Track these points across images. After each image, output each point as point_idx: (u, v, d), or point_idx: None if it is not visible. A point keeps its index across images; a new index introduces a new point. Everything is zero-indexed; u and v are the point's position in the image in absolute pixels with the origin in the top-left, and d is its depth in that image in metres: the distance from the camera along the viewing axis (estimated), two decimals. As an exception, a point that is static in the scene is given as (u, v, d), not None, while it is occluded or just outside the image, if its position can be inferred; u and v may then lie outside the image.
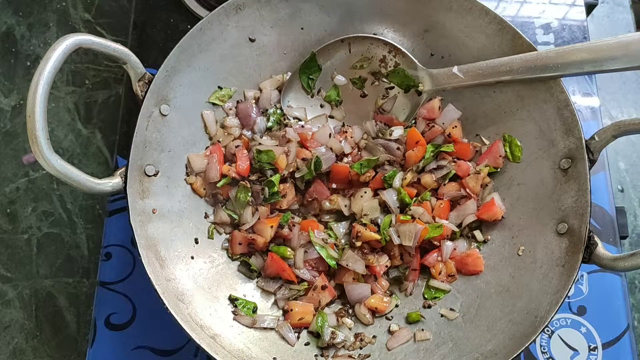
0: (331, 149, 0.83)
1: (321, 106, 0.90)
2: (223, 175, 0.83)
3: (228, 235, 0.84)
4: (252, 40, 0.85)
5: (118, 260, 0.89)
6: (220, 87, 0.86)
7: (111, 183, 0.71)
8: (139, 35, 1.00)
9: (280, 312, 0.81)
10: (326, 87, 0.90)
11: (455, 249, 0.82)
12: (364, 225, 0.80)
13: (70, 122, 1.02)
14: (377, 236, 0.79)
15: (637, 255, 0.67)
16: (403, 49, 0.85)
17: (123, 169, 0.73)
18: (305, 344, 0.78)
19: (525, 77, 0.77)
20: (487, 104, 0.84)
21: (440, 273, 0.81)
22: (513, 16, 0.83)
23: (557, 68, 0.74)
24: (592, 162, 0.73)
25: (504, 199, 0.82)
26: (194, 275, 0.78)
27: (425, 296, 0.82)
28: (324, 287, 0.79)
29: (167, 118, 0.79)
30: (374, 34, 0.87)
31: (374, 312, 0.81)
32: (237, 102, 0.87)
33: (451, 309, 0.79)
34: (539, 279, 0.74)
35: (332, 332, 0.77)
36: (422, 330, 0.78)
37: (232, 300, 0.79)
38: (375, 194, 0.83)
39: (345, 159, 0.85)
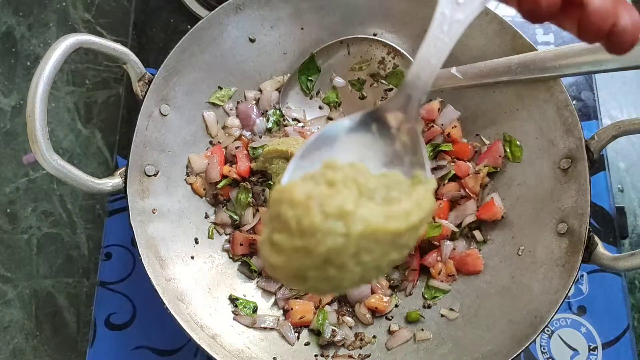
0: (331, 149, 0.83)
1: (320, 108, 0.90)
2: (224, 176, 0.83)
3: (228, 236, 0.84)
4: (252, 41, 0.85)
5: (118, 260, 0.89)
6: (220, 87, 0.86)
7: (111, 183, 0.72)
8: (139, 35, 1.00)
9: (281, 312, 0.81)
10: (325, 88, 0.90)
11: (454, 249, 0.82)
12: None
13: (70, 122, 1.02)
14: (377, 236, 0.79)
15: (637, 255, 0.67)
16: (402, 51, 0.85)
17: (123, 169, 0.73)
18: (305, 344, 0.78)
19: (524, 78, 0.77)
20: (487, 104, 0.84)
21: (439, 273, 0.81)
22: (513, 16, 0.83)
23: (556, 68, 0.74)
24: (592, 162, 0.73)
25: (504, 199, 0.82)
26: (194, 275, 0.78)
27: (425, 296, 0.82)
28: (324, 287, 0.79)
29: (167, 118, 0.79)
30: (373, 34, 0.87)
31: (374, 312, 0.81)
32: (237, 102, 0.88)
33: (451, 309, 0.79)
34: (539, 279, 0.74)
35: (333, 330, 0.77)
36: (422, 330, 0.78)
37: (232, 300, 0.79)
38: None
39: (345, 159, 0.85)
